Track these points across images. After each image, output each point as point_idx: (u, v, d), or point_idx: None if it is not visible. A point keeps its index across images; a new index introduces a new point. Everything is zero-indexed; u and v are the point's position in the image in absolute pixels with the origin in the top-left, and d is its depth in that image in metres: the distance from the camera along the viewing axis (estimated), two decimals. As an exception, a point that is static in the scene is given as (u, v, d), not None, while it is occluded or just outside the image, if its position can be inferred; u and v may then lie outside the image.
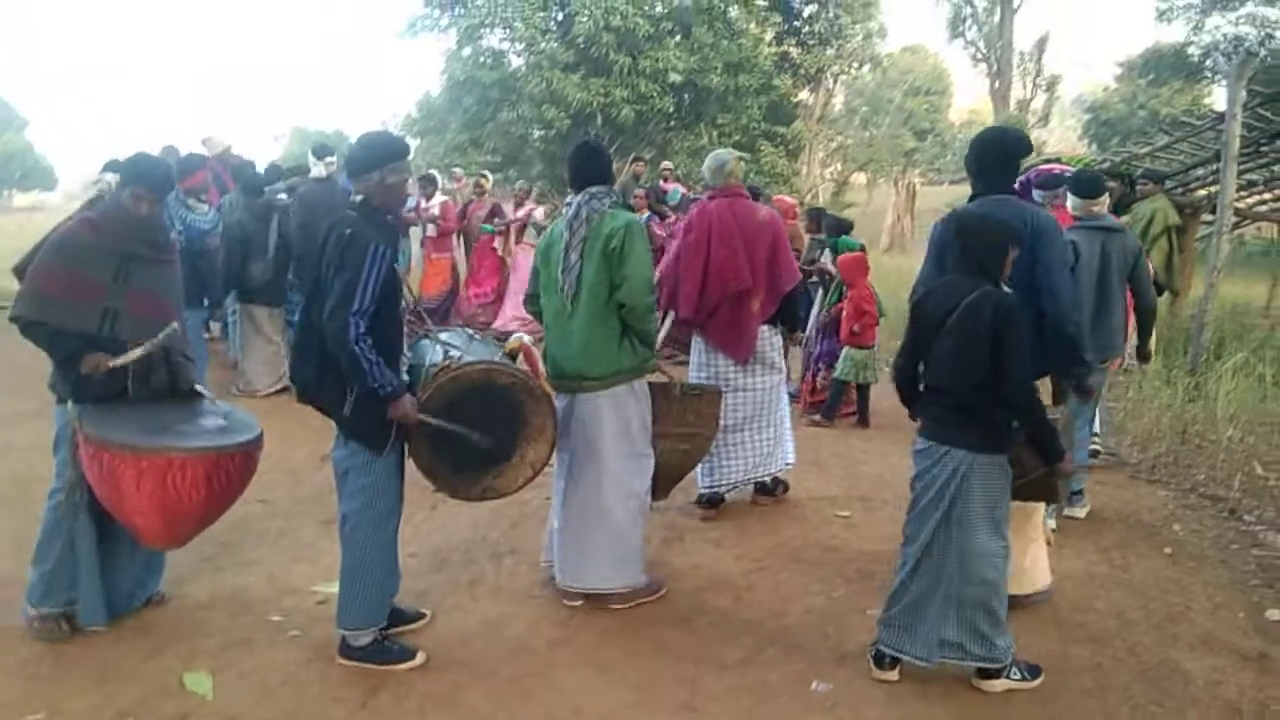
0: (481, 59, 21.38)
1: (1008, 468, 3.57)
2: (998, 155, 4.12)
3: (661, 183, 11.74)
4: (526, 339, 4.14)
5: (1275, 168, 11.93)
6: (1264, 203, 13.33)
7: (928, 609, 3.59)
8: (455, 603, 4.26)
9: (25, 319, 3.60)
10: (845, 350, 7.56)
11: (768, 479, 5.62)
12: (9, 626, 3.78)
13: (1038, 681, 3.71)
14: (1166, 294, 8.74)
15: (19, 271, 3.72)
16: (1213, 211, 10.30)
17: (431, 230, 10.37)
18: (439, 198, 10.54)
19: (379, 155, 3.54)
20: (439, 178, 11.29)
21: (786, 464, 5.62)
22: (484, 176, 11.73)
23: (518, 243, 10.78)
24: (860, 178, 33.82)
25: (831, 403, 7.72)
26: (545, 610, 4.19)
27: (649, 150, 20.37)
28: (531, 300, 4.39)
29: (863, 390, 7.76)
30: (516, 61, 21.78)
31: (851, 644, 4.01)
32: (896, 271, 13.59)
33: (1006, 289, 3.57)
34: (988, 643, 3.59)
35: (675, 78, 20.77)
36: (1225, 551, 5.25)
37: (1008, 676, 3.66)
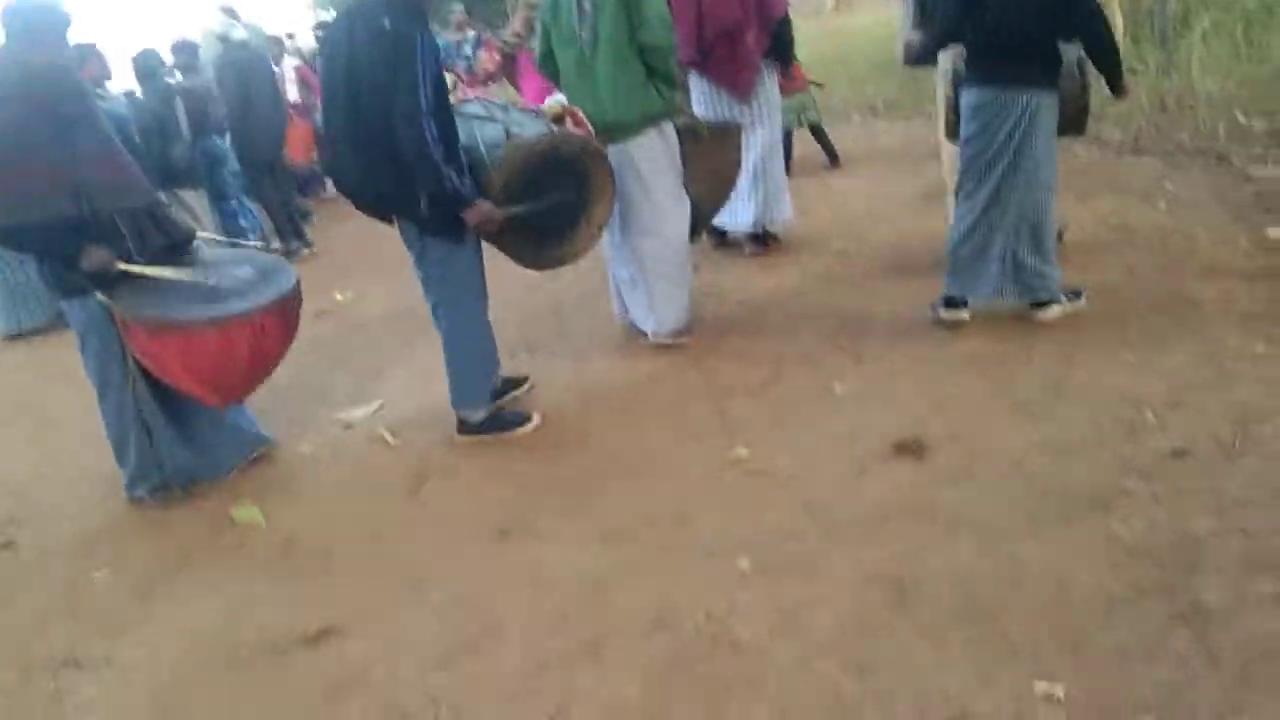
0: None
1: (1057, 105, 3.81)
2: None
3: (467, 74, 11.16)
4: (564, 100, 3.99)
5: None
6: None
7: (990, 250, 3.92)
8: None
9: (18, 224, 3.25)
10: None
11: (761, 229, 5.58)
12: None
13: (1083, 300, 4.01)
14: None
15: None
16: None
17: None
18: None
19: None
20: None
21: (786, 218, 5.59)
22: (289, 35, 10.86)
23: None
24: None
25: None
26: (569, 394, 4.21)
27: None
28: (546, 59, 4.31)
29: (817, 131, 7.75)
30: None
31: (868, 352, 4.05)
32: (847, 29, 13.20)
33: None
34: (1044, 274, 3.93)
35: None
36: (1219, 194, 5.25)
37: (1059, 303, 3.97)
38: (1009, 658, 2.19)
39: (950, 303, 4.10)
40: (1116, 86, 3.83)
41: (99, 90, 6.37)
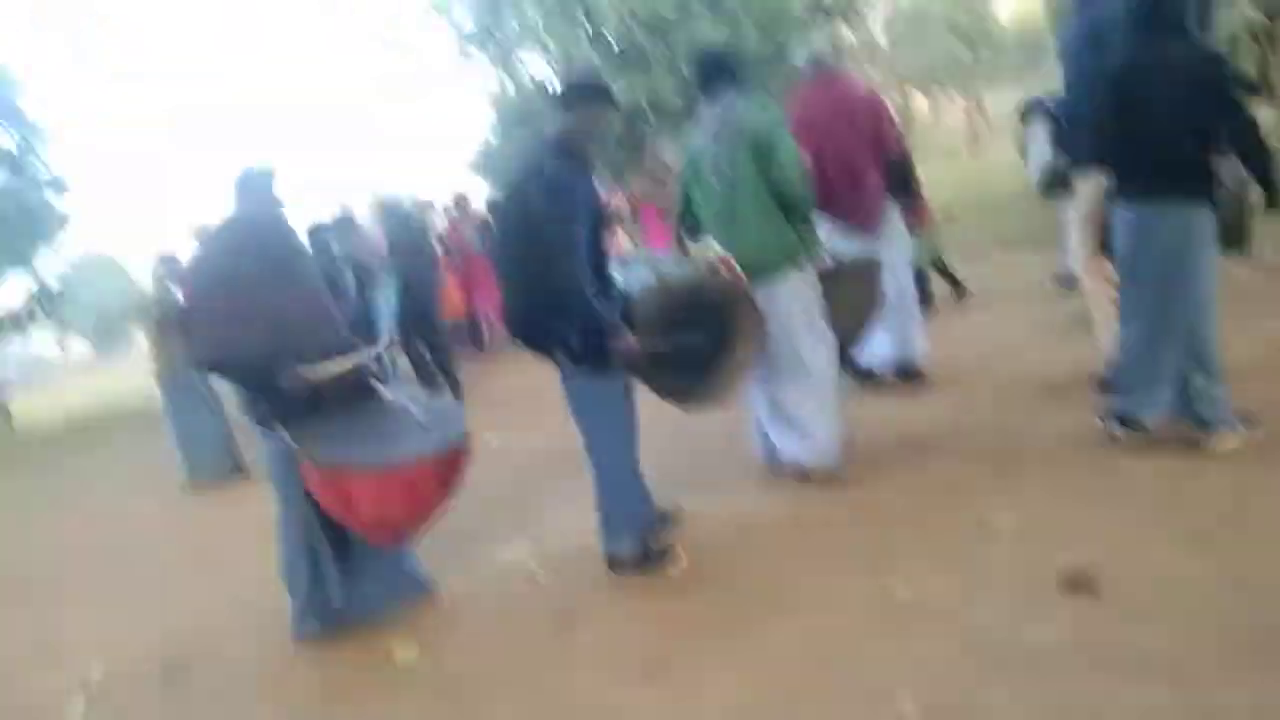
0: (525, 87, 21.61)
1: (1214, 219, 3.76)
2: None
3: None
4: (717, 246, 4.15)
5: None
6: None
7: (1160, 369, 3.84)
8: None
9: (211, 361, 3.68)
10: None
11: (904, 365, 5.60)
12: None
13: (1260, 430, 3.79)
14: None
15: (186, 313, 3.84)
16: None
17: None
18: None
19: (597, 89, 3.64)
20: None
21: (922, 352, 5.62)
22: (464, 196, 11.57)
23: None
24: (921, 99, 32.84)
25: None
26: (714, 523, 4.19)
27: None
28: (685, 217, 4.49)
29: (938, 265, 7.87)
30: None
31: (1024, 481, 3.89)
32: (979, 166, 13.20)
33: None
34: (1214, 396, 3.79)
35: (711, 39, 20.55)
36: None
37: (1233, 430, 3.79)
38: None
39: (1125, 421, 4.00)
40: (1273, 197, 3.80)
41: None
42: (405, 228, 8.38)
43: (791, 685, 2.82)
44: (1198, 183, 3.71)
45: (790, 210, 4.20)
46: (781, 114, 4.40)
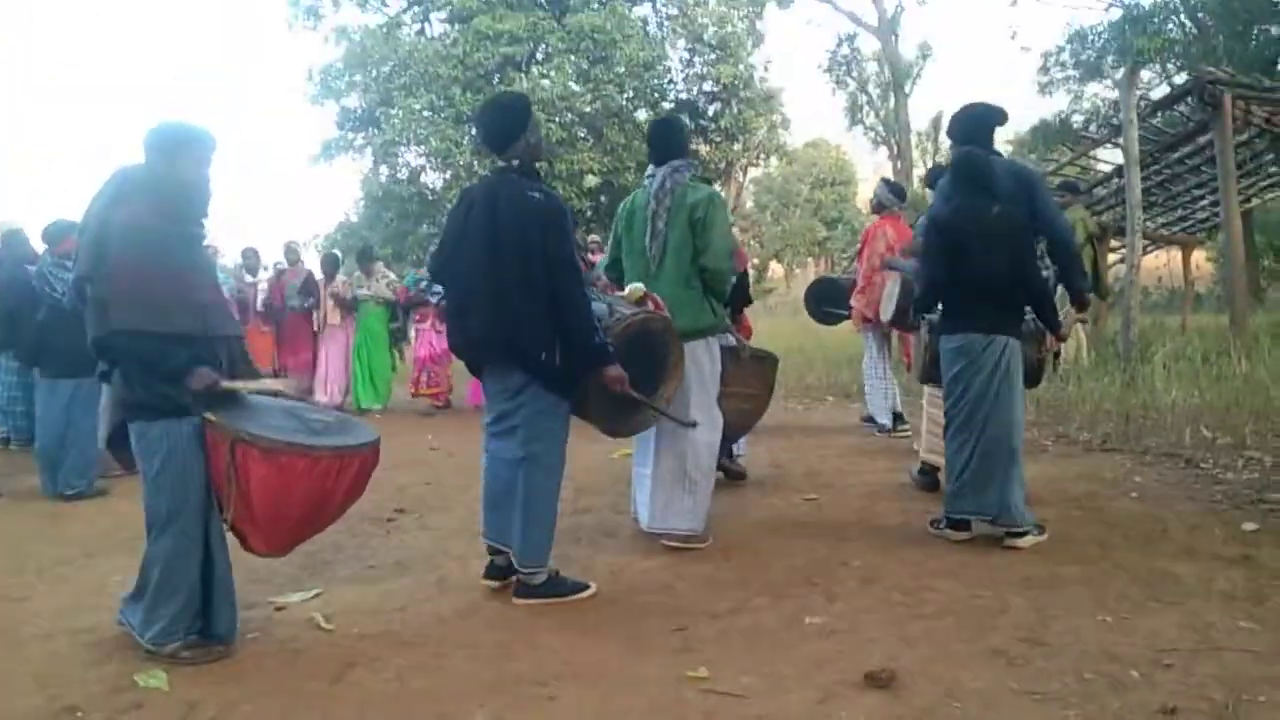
0: (398, 174, 21.62)
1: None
2: (979, 120, 4.75)
3: (589, 254, 11.89)
4: (642, 287, 4.26)
5: (1170, 186, 12.58)
6: (1165, 226, 14.01)
7: (992, 474, 4.32)
8: (425, 596, 4.02)
9: (135, 329, 3.12)
10: None
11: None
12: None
13: (1045, 536, 4.38)
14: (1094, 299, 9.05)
15: (86, 280, 3.21)
16: (1120, 234, 10.79)
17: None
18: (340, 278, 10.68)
19: (521, 118, 3.74)
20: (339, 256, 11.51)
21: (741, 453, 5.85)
22: (294, 245, 11.14)
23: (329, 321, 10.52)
24: (777, 268, 34.65)
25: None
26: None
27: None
28: (612, 266, 4.65)
29: None
30: (434, 176, 22.04)
31: (840, 589, 3.89)
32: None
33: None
34: (1022, 502, 4.37)
35: (591, 180, 21.19)
36: (1189, 490, 5.29)
37: (1031, 534, 4.35)
38: None
39: (954, 524, 4.46)
40: (1053, 329, 4.68)
41: (66, 263, 6.53)
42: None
43: (577, 750, 2.62)
44: (1013, 320, 4.42)
45: (710, 285, 4.41)
46: (721, 198, 4.62)
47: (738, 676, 3.08)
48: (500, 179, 3.76)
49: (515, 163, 3.74)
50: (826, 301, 8.12)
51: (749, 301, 6.24)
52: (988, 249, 4.31)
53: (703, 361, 4.44)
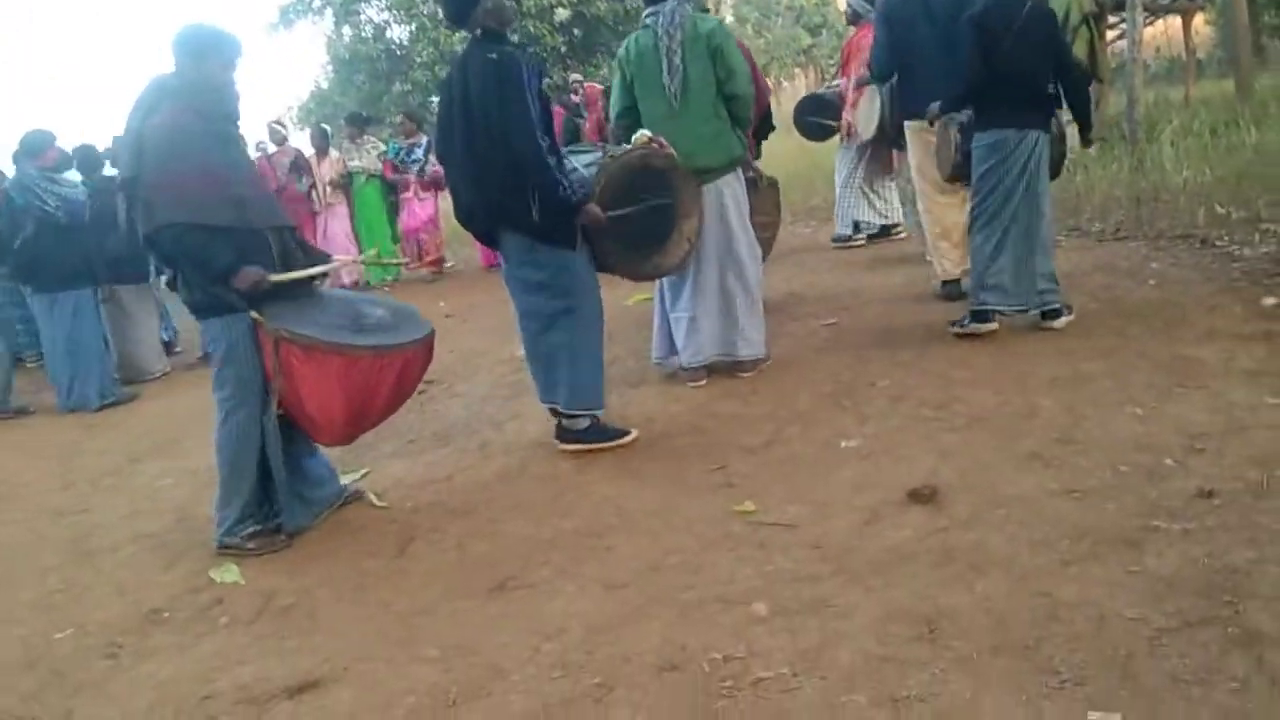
0: (362, 33, 20.78)
1: None
2: None
3: (572, 95, 11.54)
4: (648, 132, 4.20)
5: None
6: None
7: (1021, 266, 4.49)
8: (469, 463, 4.14)
9: (182, 224, 3.20)
10: None
11: None
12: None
13: (1074, 315, 4.62)
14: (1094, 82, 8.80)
15: (130, 183, 3.35)
16: (1118, 9, 10.36)
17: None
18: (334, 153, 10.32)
19: None
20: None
21: None
22: (279, 124, 10.74)
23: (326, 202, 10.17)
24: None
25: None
26: (560, 455, 4.07)
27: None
28: (625, 114, 4.53)
29: None
30: (399, 30, 21.18)
31: (870, 410, 3.97)
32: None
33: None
34: (1055, 285, 4.58)
35: (562, 14, 20.34)
36: (1207, 273, 5.29)
37: (1064, 314, 4.59)
38: (1056, 688, 2.04)
39: (979, 316, 4.63)
40: (1086, 132, 4.97)
41: (53, 175, 6.41)
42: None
43: (641, 595, 2.75)
44: (1045, 115, 4.48)
45: (736, 114, 4.40)
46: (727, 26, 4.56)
47: (783, 506, 3.19)
48: (468, 51, 3.74)
49: (478, 31, 3.71)
50: (815, 114, 7.95)
51: (772, 129, 6.08)
52: (1021, 45, 4.33)
53: (739, 194, 4.51)
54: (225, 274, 3.25)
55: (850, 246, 7.79)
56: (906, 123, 5.42)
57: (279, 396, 3.37)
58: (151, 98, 3.37)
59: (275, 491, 3.49)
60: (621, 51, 4.52)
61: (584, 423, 3.96)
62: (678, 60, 4.28)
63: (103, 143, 7.81)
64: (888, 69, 5.36)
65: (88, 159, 7.25)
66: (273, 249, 3.43)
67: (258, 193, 3.54)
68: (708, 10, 4.74)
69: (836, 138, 7.77)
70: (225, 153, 3.39)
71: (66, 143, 7.14)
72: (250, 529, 3.47)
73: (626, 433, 4.02)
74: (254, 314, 3.30)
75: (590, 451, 3.97)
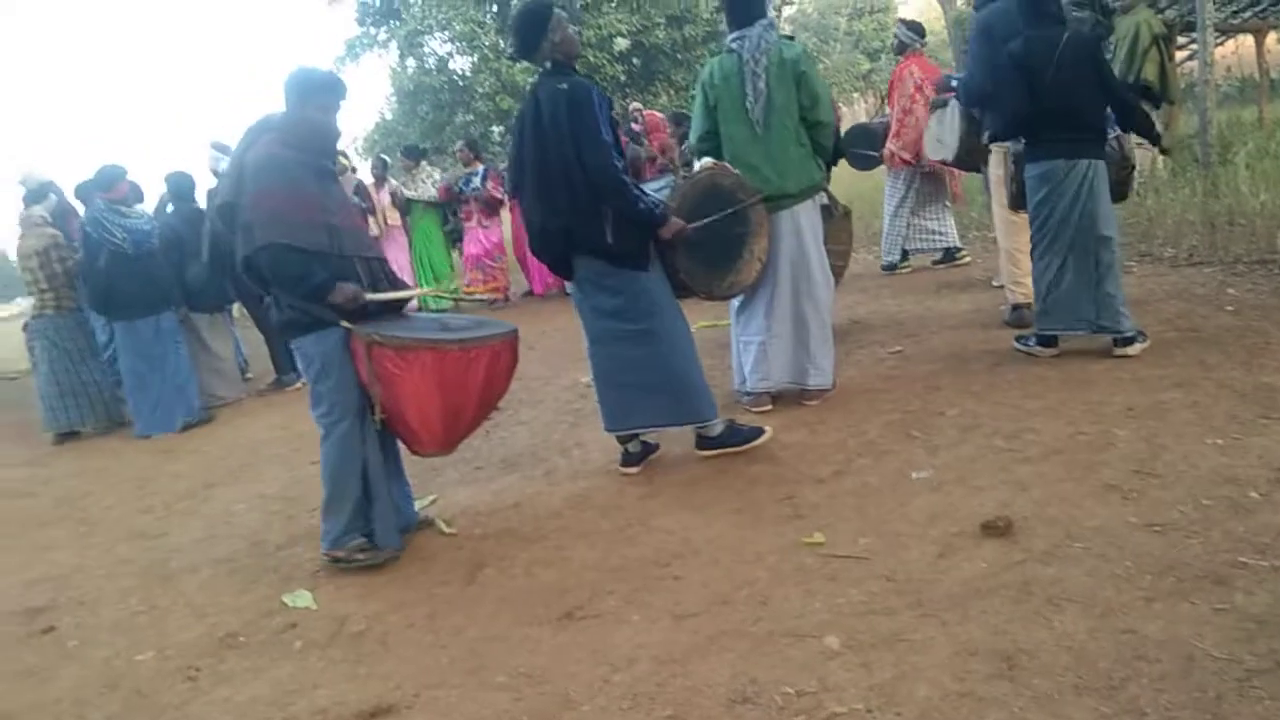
0: (425, 64, 21.23)
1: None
2: None
3: (633, 124, 11.64)
4: (711, 160, 4.35)
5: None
6: (1235, 14, 13.16)
7: (1080, 291, 4.49)
8: (535, 490, 4.17)
9: (279, 244, 3.35)
10: None
11: None
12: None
13: (1149, 342, 4.56)
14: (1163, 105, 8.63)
15: (230, 207, 3.50)
16: (1187, 30, 10.17)
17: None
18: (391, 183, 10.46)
19: (539, 23, 3.77)
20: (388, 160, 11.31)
21: None
22: (343, 154, 10.65)
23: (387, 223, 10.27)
24: (824, 109, 33.45)
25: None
26: (625, 481, 4.08)
27: (611, 118, 20.17)
28: (706, 137, 4.54)
29: None
30: (462, 61, 21.60)
31: (941, 440, 3.91)
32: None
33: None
34: (1122, 313, 4.50)
35: (622, 43, 20.58)
36: (1287, 298, 5.13)
37: (1138, 341, 4.53)
38: (1142, 729, 1.98)
39: (1044, 341, 4.70)
40: (1156, 143, 5.22)
41: (120, 208, 6.66)
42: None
43: (712, 627, 2.73)
44: (1095, 142, 4.49)
45: (818, 140, 4.45)
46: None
47: (854, 538, 3.16)
48: (539, 84, 3.86)
49: (547, 64, 3.83)
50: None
51: (841, 155, 6.17)
52: (1064, 75, 4.36)
53: (815, 220, 4.54)
54: (320, 290, 3.39)
55: (898, 273, 7.83)
56: (993, 145, 5.37)
57: (378, 404, 3.46)
58: (256, 132, 3.57)
59: (375, 507, 3.58)
60: (705, 74, 4.54)
61: (719, 427, 4.07)
62: (762, 85, 4.32)
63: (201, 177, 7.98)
64: (982, 89, 4.95)
65: (181, 186, 7.48)
66: (363, 279, 3.55)
67: (349, 224, 3.68)
68: (792, 38, 4.74)
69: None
70: (319, 184, 3.55)
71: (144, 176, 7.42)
72: (357, 540, 3.57)
73: (761, 432, 4.14)
74: (344, 323, 3.42)
75: (719, 456, 4.09)
